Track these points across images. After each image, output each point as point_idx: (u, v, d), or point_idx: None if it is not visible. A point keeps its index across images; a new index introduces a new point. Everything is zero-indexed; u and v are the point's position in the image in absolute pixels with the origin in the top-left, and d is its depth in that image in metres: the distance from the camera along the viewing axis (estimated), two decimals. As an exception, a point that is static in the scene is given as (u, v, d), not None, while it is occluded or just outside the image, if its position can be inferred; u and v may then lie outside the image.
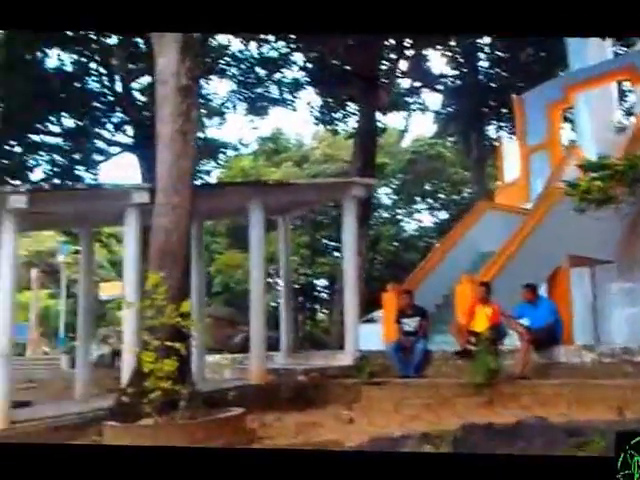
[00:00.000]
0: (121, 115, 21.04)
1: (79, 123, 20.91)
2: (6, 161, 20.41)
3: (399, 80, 22.38)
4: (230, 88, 22.21)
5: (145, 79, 20.55)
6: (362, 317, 13.61)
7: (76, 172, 21.24)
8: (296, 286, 21.98)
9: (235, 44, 21.25)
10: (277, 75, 21.73)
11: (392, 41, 19.62)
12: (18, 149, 20.78)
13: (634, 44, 17.70)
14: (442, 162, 29.00)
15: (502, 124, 23.30)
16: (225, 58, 21.13)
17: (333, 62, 20.00)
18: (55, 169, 21.08)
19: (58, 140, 21.33)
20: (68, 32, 17.64)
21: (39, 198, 9.52)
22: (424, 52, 21.83)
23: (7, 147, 20.49)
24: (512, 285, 10.89)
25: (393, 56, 20.68)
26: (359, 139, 18.97)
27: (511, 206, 16.00)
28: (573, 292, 12.83)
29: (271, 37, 19.79)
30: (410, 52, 21.26)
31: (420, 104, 24.16)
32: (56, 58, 19.86)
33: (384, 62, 20.30)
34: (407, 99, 23.50)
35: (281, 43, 20.53)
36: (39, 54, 18.85)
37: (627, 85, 19.62)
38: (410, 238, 29.95)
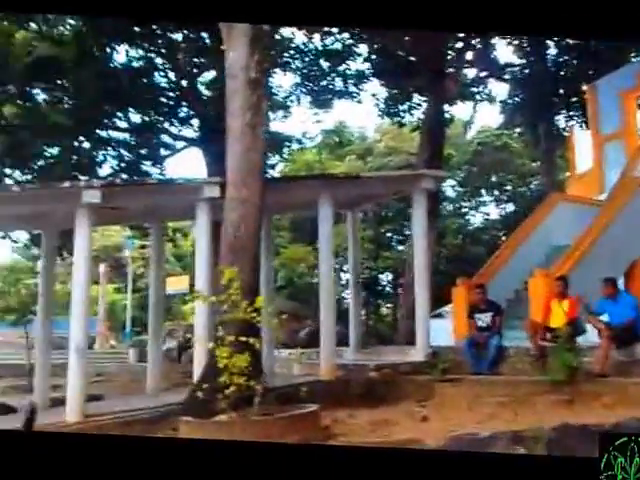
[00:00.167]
0: (187, 110, 21.17)
1: (145, 118, 21.14)
2: (75, 157, 20.80)
3: (465, 70, 21.94)
4: (294, 81, 22.16)
5: (210, 74, 20.67)
6: (430, 312, 13.38)
7: (143, 167, 21.52)
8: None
9: (299, 37, 21.18)
10: (341, 67, 21.55)
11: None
12: (87, 145, 21.16)
13: None
14: (509, 153, 28.43)
15: (572, 113, 22.64)
16: (289, 51, 21.05)
17: (398, 53, 19.70)
18: (122, 164, 21.41)
19: (125, 135, 21.63)
20: (136, 27, 17.85)
21: (112, 193, 9.61)
22: (491, 41, 21.33)
23: (76, 143, 20.92)
24: (588, 280, 10.54)
25: (459, 45, 20.27)
26: (426, 131, 18.64)
27: (584, 197, 15.59)
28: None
29: (335, 29, 19.64)
30: (476, 41, 20.80)
31: (486, 94, 23.68)
32: (124, 54, 20.18)
33: (450, 52, 19.91)
34: (473, 89, 23.01)
35: (345, 35, 20.33)
36: (107, 50, 19.11)
37: None
38: (476, 231, 29.46)
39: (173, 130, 21.55)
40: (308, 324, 18.41)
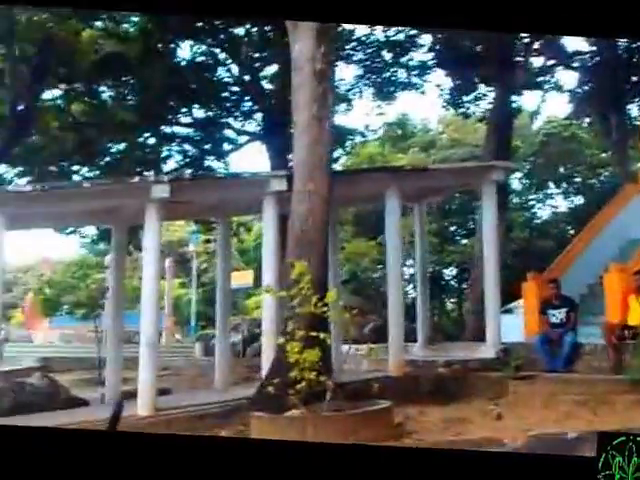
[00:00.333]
0: (249, 104, 21.21)
1: (209, 113, 21.27)
2: (141, 153, 21.09)
3: (532, 59, 21.38)
4: (356, 73, 21.95)
5: (273, 67, 20.63)
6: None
7: (206, 162, 21.68)
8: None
9: (360, 28, 20.95)
10: (404, 58, 21.24)
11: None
12: (152, 141, 21.42)
13: None
14: (577, 144, 27.63)
15: (645, 101, 21.88)
16: (351, 43, 20.85)
17: (463, 43, 19.29)
18: (186, 160, 21.61)
19: (189, 131, 21.81)
20: (199, 23, 17.92)
21: (180, 187, 9.62)
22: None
23: (141, 139, 21.21)
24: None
25: (526, 34, 19.74)
26: (493, 122, 18.22)
27: (661, 189, 14.99)
28: None
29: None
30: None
31: (554, 83, 23.02)
32: (187, 50, 20.32)
33: (517, 41, 19.40)
34: (540, 78, 22.40)
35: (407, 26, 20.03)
36: (172, 46, 19.26)
37: None
38: (543, 225, 28.77)
39: (236, 125, 21.64)
40: (372, 319, 18.23)
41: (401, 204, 11.23)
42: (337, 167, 22.43)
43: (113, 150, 21.16)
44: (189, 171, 20.46)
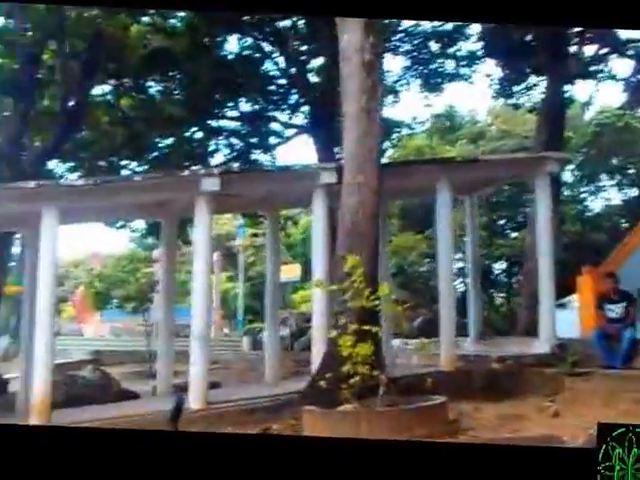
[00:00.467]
0: (296, 97, 21.14)
1: (256, 107, 21.27)
2: (188, 147, 21.21)
3: (584, 47, 20.85)
4: (403, 65, 21.71)
5: (319, 60, 20.51)
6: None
7: (253, 155, 21.71)
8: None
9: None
10: (452, 49, 20.94)
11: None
12: (199, 135, 21.51)
13: None
14: (631, 134, 26.85)
15: None
16: (398, 34, 20.62)
17: (514, 32, 18.89)
18: (233, 153, 21.66)
19: (236, 124, 21.84)
20: (245, 17, 17.92)
21: (230, 180, 9.59)
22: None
23: (189, 133, 21.32)
24: None
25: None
26: (545, 112, 17.79)
27: None
28: None
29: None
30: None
31: (607, 72, 22.43)
32: (234, 43, 20.34)
33: (569, 29, 18.94)
34: (593, 67, 21.85)
35: (456, 15, 19.70)
36: (218, 40, 19.29)
37: None
38: (596, 217, 28.12)
39: (283, 118, 21.61)
40: (423, 313, 18.06)
41: (452, 196, 11.01)
42: (384, 160, 22.26)
43: (161, 144, 21.32)
44: (236, 165, 20.51)
